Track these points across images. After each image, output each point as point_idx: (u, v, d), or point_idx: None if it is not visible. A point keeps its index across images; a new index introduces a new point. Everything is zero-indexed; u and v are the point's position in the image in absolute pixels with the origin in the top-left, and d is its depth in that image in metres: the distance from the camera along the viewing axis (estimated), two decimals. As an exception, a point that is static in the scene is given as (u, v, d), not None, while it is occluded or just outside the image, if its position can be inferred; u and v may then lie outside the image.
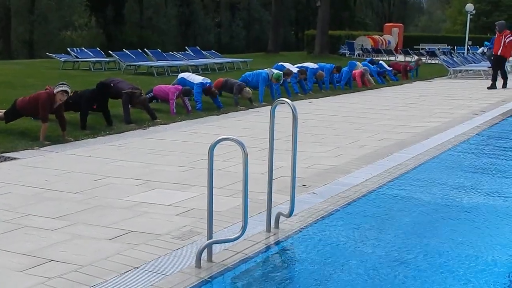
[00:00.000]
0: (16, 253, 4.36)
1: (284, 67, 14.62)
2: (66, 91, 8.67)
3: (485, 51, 35.93)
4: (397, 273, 4.28)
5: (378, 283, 4.13)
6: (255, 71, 14.60)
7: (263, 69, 14.74)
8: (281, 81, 14.31)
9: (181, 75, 13.32)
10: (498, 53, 18.35)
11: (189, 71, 21.54)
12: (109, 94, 10.16)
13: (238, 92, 13.07)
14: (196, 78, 12.62)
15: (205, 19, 55.68)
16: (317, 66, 17.13)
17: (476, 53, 33.63)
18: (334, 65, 17.44)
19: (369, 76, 18.94)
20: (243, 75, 14.45)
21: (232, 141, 4.11)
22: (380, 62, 22.40)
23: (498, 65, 18.67)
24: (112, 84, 10.47)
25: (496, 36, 18.73)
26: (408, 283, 4.13)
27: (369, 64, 20.13)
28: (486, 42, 42.67)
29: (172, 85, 12.24)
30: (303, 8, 64.08)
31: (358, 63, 19.29)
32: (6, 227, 4.93)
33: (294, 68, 16.07)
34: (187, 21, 53.54)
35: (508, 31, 18.36)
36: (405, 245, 4.81)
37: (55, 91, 8.62)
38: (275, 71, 14.36)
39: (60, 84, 8.72)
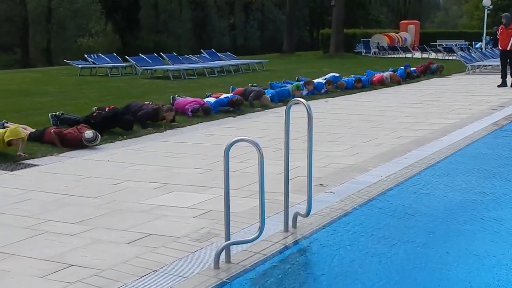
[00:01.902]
0: (36, 259, 4.40)
1: (210, 102, 12.52)
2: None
3: (482, 46, 35.62)
4: (417, 272, 4.25)
5: (397, 281, 4.11)
6: (278, 88, 14.56)
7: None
8: (303, 92, 14.38)
9: (208, 99, 12.80)
10: (508, 48, 17.48)
11: (205, 74, 21.73)
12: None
13: (255, 97, 13.09)
14: (221, 97, 12.68)
15: (219, 22, 55.85)
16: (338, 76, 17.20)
17: (494, 48, 33.30)
18: (354, 78, 17.32)
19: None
20: (267, 91, 14.16)
21: (247, 142, 4.12)
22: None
23: (506, 60, 17.83)
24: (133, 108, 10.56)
25: (502, 29, 17.75)
26: (429, 281, 4.11)
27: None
28: (486, 37, 42.35)
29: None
30: (317, 7, 63.93)
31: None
32: (26, 233, 4.99)
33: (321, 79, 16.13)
34: (201, 24, 53.74)
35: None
36: (424, 243, 4.78)
37: (90, 144, 8.72)
38: (295, 83, 14.50)
39: (93, 138, 8.74)
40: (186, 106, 11.58)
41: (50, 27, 46.04)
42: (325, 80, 16.22)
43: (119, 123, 9.87)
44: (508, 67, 17.81)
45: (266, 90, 14.06)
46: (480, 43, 39.45)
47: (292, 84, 14.84)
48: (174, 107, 11.63)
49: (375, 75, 18.33)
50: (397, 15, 74.88)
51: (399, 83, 18.58)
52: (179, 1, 55.64)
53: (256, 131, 10.08)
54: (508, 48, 17.54)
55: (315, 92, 15.41)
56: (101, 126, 9.51)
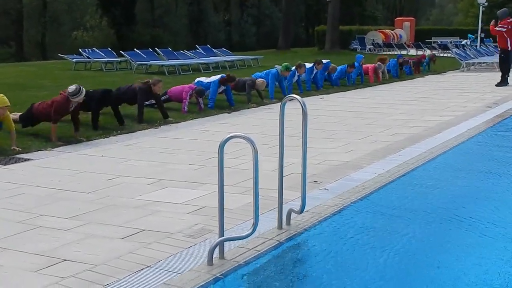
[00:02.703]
0: (30, 253, 4.39)
1: (202, 82, 12.90)
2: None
3: (468, 43, 35.72)
4: (410, 270, 4.27)
5: (391, 278, 4.12)
6: (265, 70, 14.58)
7: (274, 66, 14.73)
8: (291, 73, 14.28)
9: (198, 79, 13.23)
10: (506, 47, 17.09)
11: (200, 70, 21.69)
12: (122, 98, 10.20)
13: (251, 87, 13.09)
14: (212, 78, 12.66)
15: (215, 17, 55.74)
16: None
17: (489, 45, 33.40)
18: (346, 65, 17.35)
19: (385, 70, 18.89)
20: (254, 75, 14.41)
21: (242, 138, 4.12)
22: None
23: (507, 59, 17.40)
24: (122, 90, 10.50)
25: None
26: (421, 279, 4.12)
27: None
28: (470, 35, 42.58)
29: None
30: (313, 4, 63.84)
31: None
32: (20, 227, 4.97)
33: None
34: (197, 20, 53.61)
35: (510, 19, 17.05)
36: (417, 241, 4.80)
37: (75, 99, 8.63)
38: (283, 64, 14.34)
39: (76, 90, 8.66)
40: (184, 95, 11.55)
41: (45, 21, 45.86)
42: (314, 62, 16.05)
43: (109, 101, 9.94)
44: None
45: (253, 75, 14.08)
46: (466, 40, 39.60)
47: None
48: (168, 96, 11.69)
49: (368, 66, 18.32)
50: (393, 12, 74.91)
51: (383, 61, 18.76)
52: (175, -4, 55.56)
53: (251, 127, 10.08)
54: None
55: (310, 78, 15.36)
56: (99, 102, 9.64)
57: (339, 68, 17.05)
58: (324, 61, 16.73)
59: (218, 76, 12.62)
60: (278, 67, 14.07)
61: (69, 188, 6.25)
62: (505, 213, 5.47)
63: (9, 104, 8.16)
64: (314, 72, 15.80)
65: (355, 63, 17.70)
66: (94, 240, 4.68)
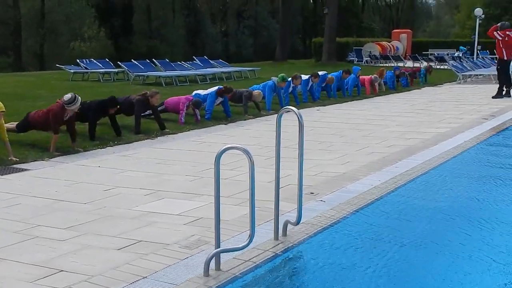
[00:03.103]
0: (26, 263, 4.39)
1: (200, 94, 12.82)
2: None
3: (460, 55, 35.97)
4: (407, 281, 4.28)
5: (386, 289, 4.13)
6: (262, 83, 14.62)
7: (271, 77, 14.79)
8: (289, 83, 14.34)
9: (195, 91, 13.23)
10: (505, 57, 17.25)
11: (197, 81, 21.74)
12: (119, 109, 10.21)
13: (248, 99, 13.14)
14: (209, 90, 12.70)
15: (212, 28, 55.91)
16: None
17: (485, 57, 33.56)
18: (342, 71, 17.44)
19: (382, 82, 18.96)
20: (251, 87, 14.43)
21: (238, 149, 4.14)
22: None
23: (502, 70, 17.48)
24: (119, 101, 10.50)
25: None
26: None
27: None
28: (461, 47, 42.89)
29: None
30: (310, 16, 64.24)
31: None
32: (16, 238, 4.98)
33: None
34: (194, 31, 53.76)
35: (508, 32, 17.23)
36: (414, 253, 4.81)
37: (71, 108, 8.65)
38: (280, 74, 14.42)
39: (71, 99, 8.68)
40: (181, 107, 11.58)
41: (43, 31, 45.94)
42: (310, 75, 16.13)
43: (106, 111, 9.94)
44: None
45: (250, 87, 14.11)
46: (458, 52, 39.81)
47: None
48: (165, 106, 11.72)
49: (364, 77, 18.41)
50: (390, 24, 75.28)
51: (381, 74, 18.90)
52: (172, 7, 55.67)
53: (248, 138, 10.10)
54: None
55: (306, 90, 15.42)
56: (87, 113, 9.63)
57: (335, 75, 17.10)
58: (321, 73, 16.81)
59: (215, 88, 12.66)
60: (274, 78, 14.13)
61: (66, 199, 6.26)
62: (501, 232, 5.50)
63: (4, 110, 8.19)
64: (310, 84, 15.85)
65: (352, 75, 17.75)
66: (91, 251, 4.69)
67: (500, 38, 17.27)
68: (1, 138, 8.22)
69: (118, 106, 10.04)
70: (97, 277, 4.15)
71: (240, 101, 13.30)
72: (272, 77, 14.42)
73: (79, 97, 8.77)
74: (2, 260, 4.46)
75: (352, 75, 17.73)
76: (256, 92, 13.35)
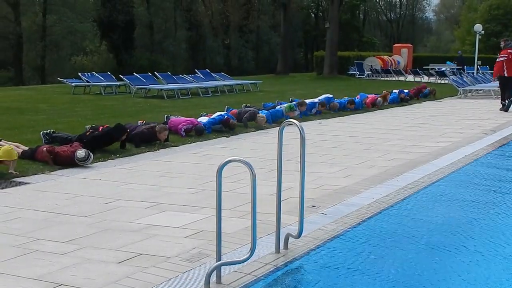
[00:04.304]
0: (26, 278, 4.36)
1: (204, 123, 12.32)
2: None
3: (448, 70, 36.18)
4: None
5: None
6: (271, 109, 14.58)
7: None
8: (296, 112, 14.45)
9: (201, 119, 12.74)
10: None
11: (199, 94, 21.78)
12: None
13: (250, 118, 13.16)
14: (215, 115, 12.68)
15: (214, 42, 56.09)
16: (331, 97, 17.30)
17: (485, 72, 33.62)
18: (347, 100, 17.41)
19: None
20: (261, 111, 14.19)
21: (240, 162, 4.12)
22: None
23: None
24: (128, 130, 10.44)
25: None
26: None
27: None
28: (448, 62, 43.20)
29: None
30: (312, 30, 64.47)
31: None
32: (16, 252, 4.95)
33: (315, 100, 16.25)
34: (196, 44, 53.95)
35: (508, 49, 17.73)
36: (415, 266, 4.78)
37: (82, 163, 8.68)
38: (287, 104, 14.60)
39: (85, 157, 8.69)
40: (179, 126, 11.61)
41: (44, 45, 46.09)
42: (318, 101, 16.31)
43: (112, 141, 9.87)
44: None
45: (260, 111, 14.10)
46: (444, 67, 39.95)
47: (284, 105, 14.90)
48: (168, 126, 11.65)
49: (368, 96, 18.44)
50: (391, 38, 75.58)
51: (385, 98, 18.84)
52: (174, 21, 55.91)
53: (249, 151, 10.09)
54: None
55: (308, 113, 15.49)
56: (93, 145, 9.50)
57: (339, 102, 17.09)
58: (325, 96, 16.89)
59: (222, 113, 12.66)
60: (283, 106, 14.29)
61: (66, 212, 6.23)
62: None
63: (16, 158, 8.20)
64: (315, 110, 15.88)
65: (357, 100, 17.68)
66: (91, 265, 4.66)
67: (505, 58, 17.59)
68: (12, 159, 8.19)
69: (128, 131, 10.03)
70: (97, 290, 4.13)
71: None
72: (280, 104, 14.52)
73: (92, 155, 8.80)
74: (1, 275, 4.43)
75: (357, 101, 17.63)
76: (260, 116, 13.34)
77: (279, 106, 14.76)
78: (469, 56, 46.09)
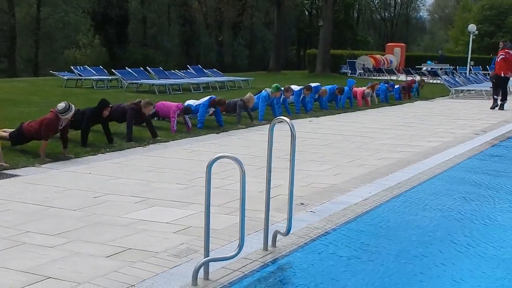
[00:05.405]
0: (14, 270, 4.37)
1: (191, 105, 12.75)
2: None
3: (429, 69, 36.48)
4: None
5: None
6: (257, 93, 14.63)
7: (264, 87, 14.82)
8: (282, 94, 14.39)
9: (188, 101, 13.21)
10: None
11: (190, 90, 21.74)
12: (111, 114, 10.20)
13: (242, 108, 13.17)
14: (201, 100, 12.72)
15: (207, 38, 55.99)
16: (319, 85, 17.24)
17: (478, 73, 33.78)
18: (336, 86, 17.49)
19: (373, 95, 19.03)
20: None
21: (229, 159, 4.14)
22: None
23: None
24: (112, 106, 10.45)
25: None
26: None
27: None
28: (429, 61, 43.54)
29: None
30: (305, 27, 64.47)
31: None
32: (5, 244, 4.95)
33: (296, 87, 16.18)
34: (190, 40, 53.85)
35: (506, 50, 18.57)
36: (403, 264, 4.81)
37: (65, 116, 8.64)
38: (273, 85, 14.46)
39: (66, 108, 8.66)
40: (171, 115, 11.61)
41: (38, 38, 45.89)
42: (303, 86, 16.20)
43: (100, 118, 9.95)
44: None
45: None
46: (425, 67, 40.15)
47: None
48: (156, 110, 11.73)
49: (357, 90, 18.47)
50: (384, 37, 75.69)
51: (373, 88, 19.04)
52: (167, 16, 55.81)
53: (239, 148, 10.10)
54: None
55: (299, 104, 15.46)
56: (89, 119, 9.67)
57: (328, 88, 17.15)
58: (314, 84, 16.85)
59: (207, 98, 12.67)
60: (268, 89, 14.17)
61: (56, 205, 6.23)
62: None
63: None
64: (302, 96, 15.88)
65: (346, 87, 17.80)
66: (79, 258, 4.67)
67: (503, 56, 18.37)
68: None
69: (111, 105, 10.04)
70: (84, 284, 4.14)
71: (234, 111, 13.32)
72: (265, 89, 14.45)
73: (73, 106, 8.76)
74: (-11, 266, 4.44)
75: (346, 88, 17.76)
76: (247, 96, 13.38)
77: (264, 90, 14.57)
78: (462, 56, 46.30)
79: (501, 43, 19.39)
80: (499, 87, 18.59)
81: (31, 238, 5.13)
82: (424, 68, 38.14)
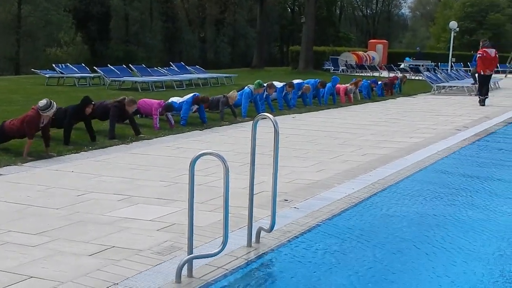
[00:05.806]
0: (-5, 269, 4.34)
1: (175, 103, 12.85)
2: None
3: (407, 66, 36.85)
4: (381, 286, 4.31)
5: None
6: (241, 91, 14.63)
7: (247, 84, 14.82)
8: (265, 90, 14.39)
9: (171, 99, 13.17)
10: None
11: (173, 87, 21.68)
12: (94, 111, 10.13)
13: (224, 104, 13.17)
14: (185, 98, 12.69)
15: (190, 35, 55.82)
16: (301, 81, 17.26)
17: (459, 69, 34.02)
18: (318, 80, 17.57)
19: (356, 91, 19.11)
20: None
21: (213, 155, 4.13)
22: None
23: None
24: (95, 104, 10.39)
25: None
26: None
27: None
28: (407, 58, 44.03)
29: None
30: (288, 24, 64.50)
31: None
32: (-14, 243, 4.91)
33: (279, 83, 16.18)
34: (172, 37, 53.64)
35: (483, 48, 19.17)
36: (386, 260, 4.84)
37: (46, 113, 8.57)
38: (256, 81, 14.47)
39: (47, 105, 8.59)
40: (153, 112, 11.58)
41: (19, 36, 45.44)
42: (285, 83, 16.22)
43: (83, 116, 9.90)
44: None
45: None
46: (403, 64, 40.40)
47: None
48: (137, 107, 11.70)
49: (340, 87, 18.55)
50: (366, 34, 75.93)
51: (356, 84, 19.20)
52: (150, 13, 55.54)
53: (223, 145, 10.09)
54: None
55: (282, 100, 15.49)
56: (71, 117, 9.65)
57: (311, 83, 17.19)
58: (297, 81, 16.88)
59: (191, 95, 12.63)
60: (251, 86, 14.17)
61: (38, 204, 6.19)
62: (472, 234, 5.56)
63: None
64: (285, 92, 15.90)
65: (329, 84, 17.84)
66: (62, 257, 4.64)
67: (479, 55, 19.03)
68: None
69: (93, 103, 9.98)
70: (67, 283, 4.11)
71: (216, 108, 13.30)
72: (248, 85, 14.45)
73: (55, 103, 8.69)
74: (-29, 265, 4.40)
75: (329, 84, 17.81)
76: (231, 93, 13.38)
77: (247, 87, 14.57)
78: (443, 53, 46.57)
79: (481, 42, 20.02)
80: (482, 85, 19.00)
81: (13, 237, 5.09)
82: (402, 66, 38.32)
